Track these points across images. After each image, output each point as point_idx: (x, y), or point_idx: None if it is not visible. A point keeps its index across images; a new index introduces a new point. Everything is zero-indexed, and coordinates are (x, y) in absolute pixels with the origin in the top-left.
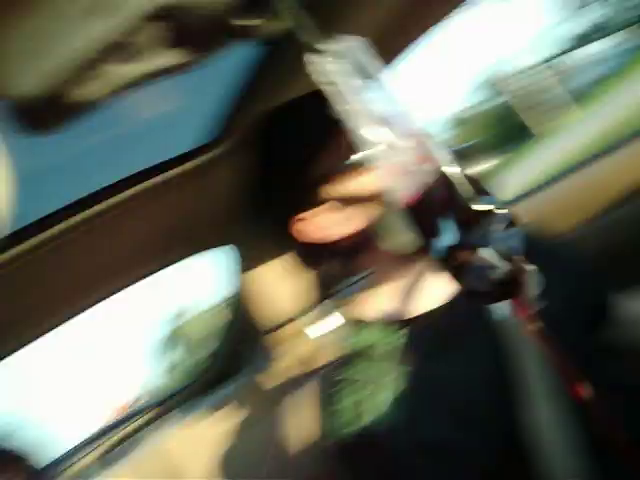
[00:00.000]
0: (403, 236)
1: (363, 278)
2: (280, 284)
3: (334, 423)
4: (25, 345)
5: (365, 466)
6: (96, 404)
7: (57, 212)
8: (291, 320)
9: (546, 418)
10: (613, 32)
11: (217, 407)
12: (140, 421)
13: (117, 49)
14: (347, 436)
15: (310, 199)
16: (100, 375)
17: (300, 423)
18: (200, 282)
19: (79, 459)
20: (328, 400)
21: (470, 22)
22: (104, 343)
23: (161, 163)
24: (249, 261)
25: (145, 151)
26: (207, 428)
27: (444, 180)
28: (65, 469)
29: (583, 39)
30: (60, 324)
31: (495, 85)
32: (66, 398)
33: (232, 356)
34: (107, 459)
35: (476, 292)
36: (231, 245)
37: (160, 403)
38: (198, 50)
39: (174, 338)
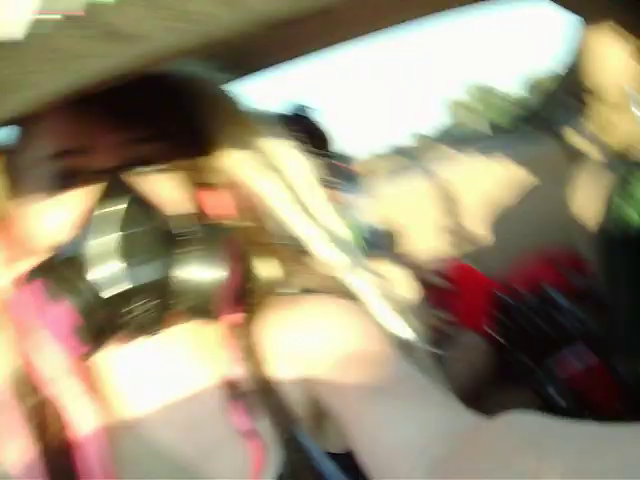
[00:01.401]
0: None
1: None
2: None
3: (622, 210)
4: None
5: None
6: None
7: None
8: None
9: None
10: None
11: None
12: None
13: None
14: (628, 227)
15: None
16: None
17: (585, 200)
18: None
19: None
20: (623, 185)
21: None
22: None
23: None
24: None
25: None
26: (492, 170)
27: None
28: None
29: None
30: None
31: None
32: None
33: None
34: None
35: None
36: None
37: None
38: None
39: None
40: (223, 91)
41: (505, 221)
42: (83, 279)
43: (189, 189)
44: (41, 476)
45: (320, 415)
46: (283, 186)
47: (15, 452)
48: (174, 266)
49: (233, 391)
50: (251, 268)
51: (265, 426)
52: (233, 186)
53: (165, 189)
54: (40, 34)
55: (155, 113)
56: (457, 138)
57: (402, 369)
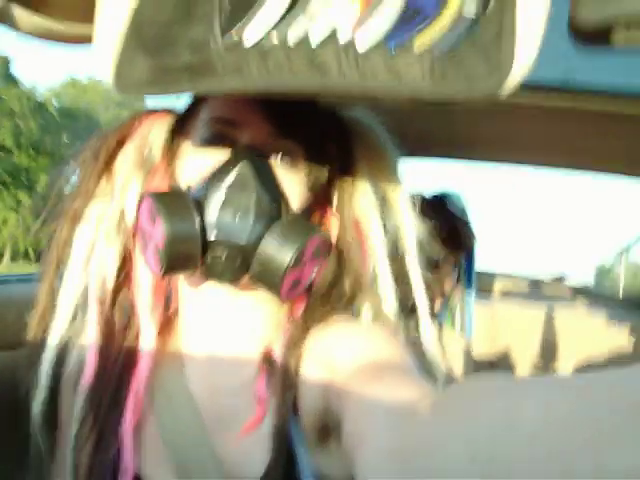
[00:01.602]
0: None
1: None
2: None
3: None
4: None
5: None
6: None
7: None
8: None
9: None
10: None
11: None
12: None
13: None
14: None
15: None
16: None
17: None
18: None
19: None
20: None
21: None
22: None
23: None
24: None
25: None
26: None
27: None
28: None
29: None
30: None
31: None
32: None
33: None
34: None
35: None
36: None
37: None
38: None
39: None
40: (377, 133)
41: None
42: (185, 215)
43: (314, 198)
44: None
45: (326, 432)
46: (383, 238)
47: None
48: (264, 237)
49: (267, 365)
50: (333, 284)
51: (272, 408)
52: (353, 218)
53: (287, 179)
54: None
55: (306, 122)
56: (593, 295)
57: (406, 372)
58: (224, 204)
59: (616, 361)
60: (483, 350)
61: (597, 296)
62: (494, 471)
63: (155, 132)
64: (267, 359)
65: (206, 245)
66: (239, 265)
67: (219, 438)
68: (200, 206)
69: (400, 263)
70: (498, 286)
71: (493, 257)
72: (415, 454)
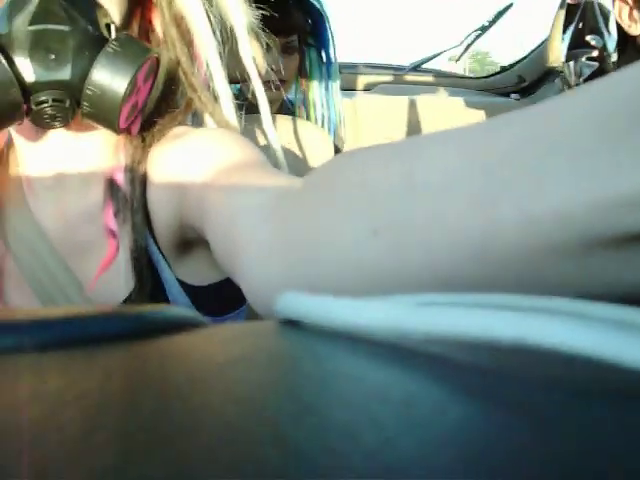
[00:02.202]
0: None
1: None
2: None
3: None
4: None
5: None
6: None
7: None
8: None
9: None
10: None
11: None
12: None
13: None
14: None
15: None
16: None
17: None
18: None
19: None
20: None
21: None
22: None
23: None
24: None
25: None
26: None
27: None
28: None
29: None
30: None
31: None
32: None
33: None
34: None
35: None
36: None
37: None
38: None
39: None
40: None
41: None
42: None
43: (131, 10)
44: None
45: (185, 245)
46: (216, 34)
47: None
48: (89, 70)
49: (112, 193)
50: (165, 95)
51: (125, 234)
52: (174, 14)
53: None
54: None
55: None
56: (452, 80)
57: (260, 167)
58: (34, 42)
59: None
60: (348, 144)
61: (456, 81)
62: (401, 239)
63: None
64: (111, 186)
65: (27, 90)
66: (69, 105)
67: (79, 270)
68: (6, 47)
69: (233, 54)
70: (362, 80)
71: (356, 49)
72: (306, 241)
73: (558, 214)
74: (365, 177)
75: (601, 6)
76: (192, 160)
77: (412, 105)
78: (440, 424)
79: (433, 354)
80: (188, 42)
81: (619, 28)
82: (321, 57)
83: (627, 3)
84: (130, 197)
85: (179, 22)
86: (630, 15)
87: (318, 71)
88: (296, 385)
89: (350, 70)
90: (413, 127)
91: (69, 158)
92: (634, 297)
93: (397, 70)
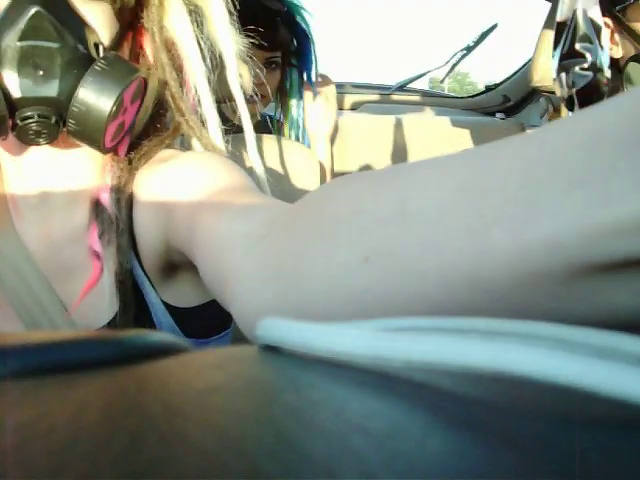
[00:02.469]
0: None
1: None
2: None
3: None
4: None
5: None
6: None
7: None
8: None
9: None
10: None
11: None
12: None
13: None
14: None
15: None
16: None
17: None
18: None
19: None
20: None
21: None
22: None
23: None
24: None
25: None
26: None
27: None
28: None
29: None
30: None
31: None
32: None
33: None
34: None
35: None
36: None
37: None
38: None
39: None
40: None
41: None
42: None
43: (123, 24)
44: None
45: (171, 268)
46: (205, 60)
47: None
48: (76, 87)
49: (97, 214)
50: (153, 118)
51: (110, 255)
52: (165, 39)
53: (91, 11)
54: None
55: None
56: (439, 100)
57: (247, 193)
58: (22, 58)
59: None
60: (334, 164)
61: (441, 100)
62: (393, 267)
63: None
64: (96, 207)
65: (13, 105)
66: (54, 122)
67: (63, 291)
68: None
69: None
70: (348, 100)
71: (343, 69)
72: (296, 268)
73: (550, 242)
74: (357, 204)
75: (592, 19)
76: (180, 184)
77: (397, 124)
78: (422, 456)
79: (414, 382)
80: (178, 67)
81: None
82: (302, 78)
83: (609, 26)
84: (116, 219)
85: (170, 47)
86: (612, 38)
87: (298, 92)
88: (275, 415)
89: (337, 90)
90: (398, 146)
91: (54, 177)
92: (626, 323)
93: (383, 90)
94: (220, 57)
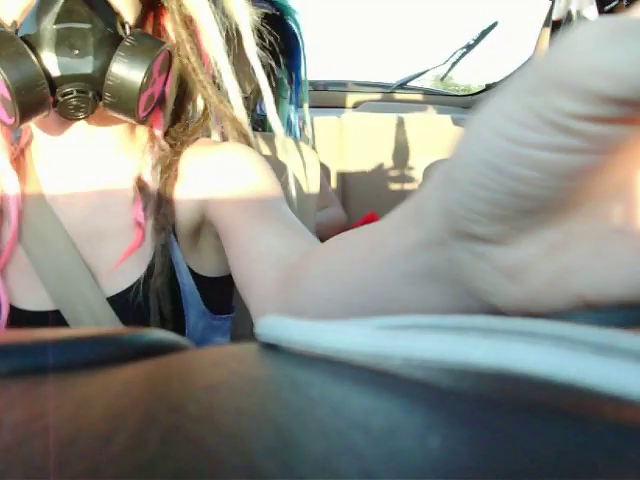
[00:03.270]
0: None
1: None
2: None
3: None
4: None
5: None
6: None
7: None
8: None
9: None
10: None
11: None
12: None
13: None
14: None
15: None
16: None
17: None
18: None
19: None
20: None
21: None
22: None
23: None
24: None
25: None
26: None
27: None
28: None
29: None
30: None
31: None
32: None
33: None
34: None
35: None
36: None
37: None
38: None
39: None
40: None
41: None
42: (20, 57)
43: (145, 4)
44: None
45: (200, 236)
46: (222, 33)
47: None
48: (109, 63)
49: (141, 189)
50: (180, 94)
51: (150, 225)
52: (184, 16)
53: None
54: None
55: None
56: (441, 99)
57: (282, 207)
58: (59, 39)
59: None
60: (334, 162)
61: (441, 99)
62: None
63: None
64: (140, 184)
65: (53, 83)
66: (92, 96)
67: (90, 257)
68: (34, 45)
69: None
70: (351, 98)
71: (345, 67)
72: (303, 305)
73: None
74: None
75: (586, 19)
76: (225, 175)
77: (398, 122)
78: (421, 454)
79: (413, 379)
80: (197, 43)
81: None
82: (291, 78)
83: None
84: (157, 197)
85: (188, 24)
86: None
87: (285, 91)
88: (274, 413)
89: (339, 88)
90: (400, 144)
91: (89, 154)
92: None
93: (385, 88)
94: (234, 31)
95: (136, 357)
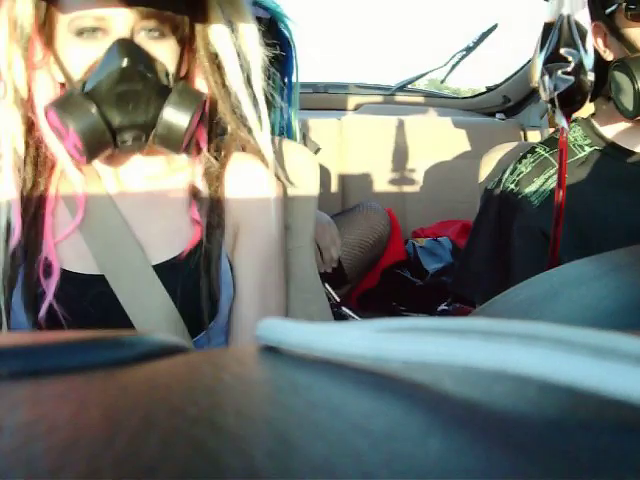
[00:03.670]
0: None
1: None
2: None
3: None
4: None
5: None
6: None
7: None
8: None
9: None
10: None
11: None
12: None
13: None
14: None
15: None
16: None
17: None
18: None
19: None
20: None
21: None
22: None
23: None
24: None
25: None
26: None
27: None
28: None
29: None
30: None
31: None
32: None
33: None
34: None
35: None
36: None
37: None
38: None
39: None
40: None
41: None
42: (90, 116)
43: (181, 55)
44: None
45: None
46: (239, 68)
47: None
48: (160, 114)
49: (195, 194)
50: (215, 124)
51: (204, 223)
52: (210, 54)
53: (161, 50)
54: None
55: None
56: (441, 101)
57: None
58: (118, 98)
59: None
60: (334, 164)
61: (441, 101)
62: None
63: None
64: (193, 191)
65: (114, 132)
66: (144, 140)
67: (142, 234)
68: (98, 101)
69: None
70: (352, 100)
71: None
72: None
73: None
74: None
75: (578, 24)
76: (256, 197)
77: (398, 125)
78: (421, 456)
79: (413, 382)
80: (221, 76)
81: (595, 52)
82: (283, 82)
83: (602, 29)
84: (210, 200)
85: (213, 60)
86: (605, 41)
87: (279, 95)
88: (274, 415)
89: (340, 90)
90: (400, 146)
91: (145, 166)
92: None
93: (385, 90)
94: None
95: (137, 360)
